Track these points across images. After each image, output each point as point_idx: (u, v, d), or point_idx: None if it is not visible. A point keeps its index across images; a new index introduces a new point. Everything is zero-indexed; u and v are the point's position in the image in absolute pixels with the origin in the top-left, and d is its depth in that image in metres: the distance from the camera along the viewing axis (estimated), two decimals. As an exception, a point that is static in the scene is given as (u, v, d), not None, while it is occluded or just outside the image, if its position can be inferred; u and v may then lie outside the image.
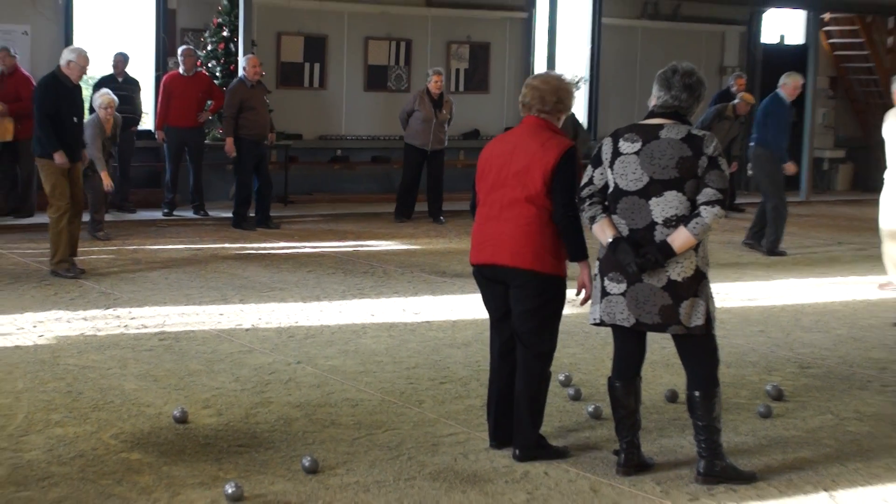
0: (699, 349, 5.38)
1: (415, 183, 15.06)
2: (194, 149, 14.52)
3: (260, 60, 14.19)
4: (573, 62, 18.96)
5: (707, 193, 5.22)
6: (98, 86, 14.13)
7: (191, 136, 14.46)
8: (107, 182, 11.87)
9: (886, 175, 10.91)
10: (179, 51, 14.58)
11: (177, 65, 14.61)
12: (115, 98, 12.37)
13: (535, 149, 5.57)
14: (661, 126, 5.34)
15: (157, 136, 14.61)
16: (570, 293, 5.68)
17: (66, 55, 10.44)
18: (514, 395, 5.72)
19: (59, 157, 10.24)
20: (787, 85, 12.95)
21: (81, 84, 10.80)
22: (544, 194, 5.53)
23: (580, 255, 5.57)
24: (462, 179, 16.66)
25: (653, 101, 5.49)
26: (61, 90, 10.33)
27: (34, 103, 10.41)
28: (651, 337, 5.62)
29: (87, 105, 11.95)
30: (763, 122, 12.84)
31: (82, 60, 10.41)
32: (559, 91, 5.69)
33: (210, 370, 7.25)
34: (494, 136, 6.04)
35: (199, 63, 14.90)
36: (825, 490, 5.33)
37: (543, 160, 5.52)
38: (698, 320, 5.28)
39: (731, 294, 10.36)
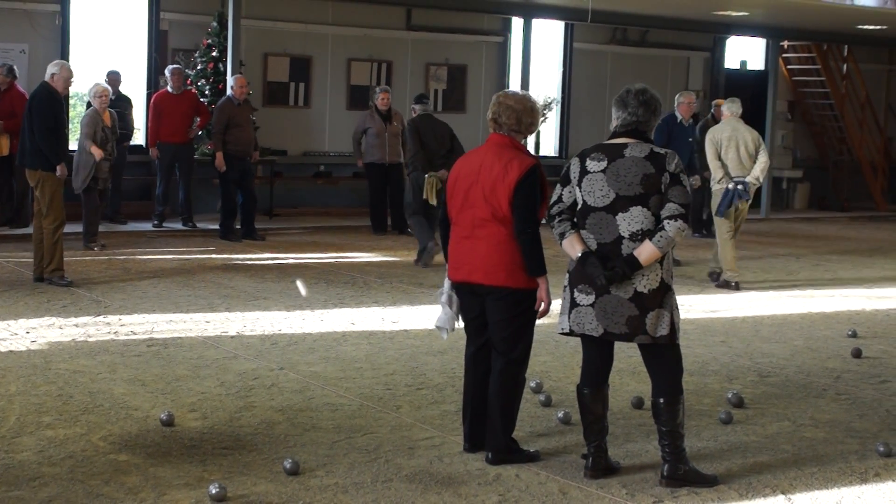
0: (664, 358, 5.49)
1: (382, 197, 15.33)
2: (184, 164, 14.65)
3: (247, 80, 14.37)
4: (546, 84, 19.25)
5: (670, 208, 5.34)
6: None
7: (181, 151, 14.59)
8: (97, 152, 11.89)
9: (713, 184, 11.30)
10: (168, 70, 14.69)
11: (167, 83, 14.77)
12: (108, 87, 12.48)
13: (498, 170, 5.66)
14: (625, 145, 5.45)
15: (150, 153, 14.72)
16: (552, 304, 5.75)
17: (51, 68, 10.46)
18: (487, 400, 5.79)
19: (62, 170, 10.27)
20: (682, 104, 13.15)
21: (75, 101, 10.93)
22: (511, 213, 5.63)
23: (538, 271, 5.64)
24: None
25: (614, 123, 5.60)
26: (56, 103, 10.35)
27: (35, 116, 10.23)
28: (618, 346, 5.70)
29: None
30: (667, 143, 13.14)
31: (66, 72, 10.47)
32: (534, 113, 5.83)
33: (196, 375, 7.32)
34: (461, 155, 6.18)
35: (188, 81, 15.08)
36: (783, 493, 5.42)
37: (506, 181, 5.62)
38: (663, 330, 5.39)
39: (694, 306, 10.49)
